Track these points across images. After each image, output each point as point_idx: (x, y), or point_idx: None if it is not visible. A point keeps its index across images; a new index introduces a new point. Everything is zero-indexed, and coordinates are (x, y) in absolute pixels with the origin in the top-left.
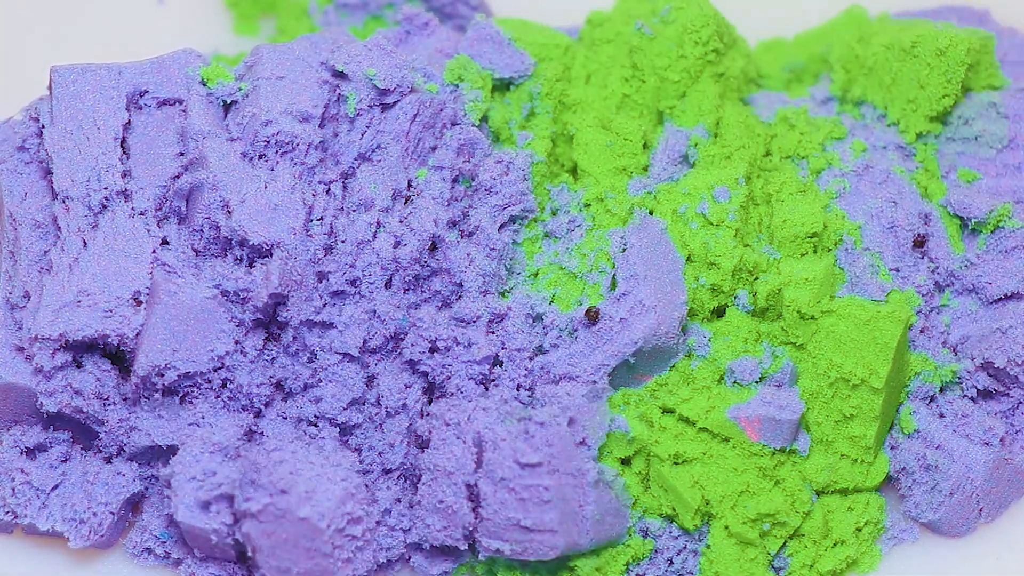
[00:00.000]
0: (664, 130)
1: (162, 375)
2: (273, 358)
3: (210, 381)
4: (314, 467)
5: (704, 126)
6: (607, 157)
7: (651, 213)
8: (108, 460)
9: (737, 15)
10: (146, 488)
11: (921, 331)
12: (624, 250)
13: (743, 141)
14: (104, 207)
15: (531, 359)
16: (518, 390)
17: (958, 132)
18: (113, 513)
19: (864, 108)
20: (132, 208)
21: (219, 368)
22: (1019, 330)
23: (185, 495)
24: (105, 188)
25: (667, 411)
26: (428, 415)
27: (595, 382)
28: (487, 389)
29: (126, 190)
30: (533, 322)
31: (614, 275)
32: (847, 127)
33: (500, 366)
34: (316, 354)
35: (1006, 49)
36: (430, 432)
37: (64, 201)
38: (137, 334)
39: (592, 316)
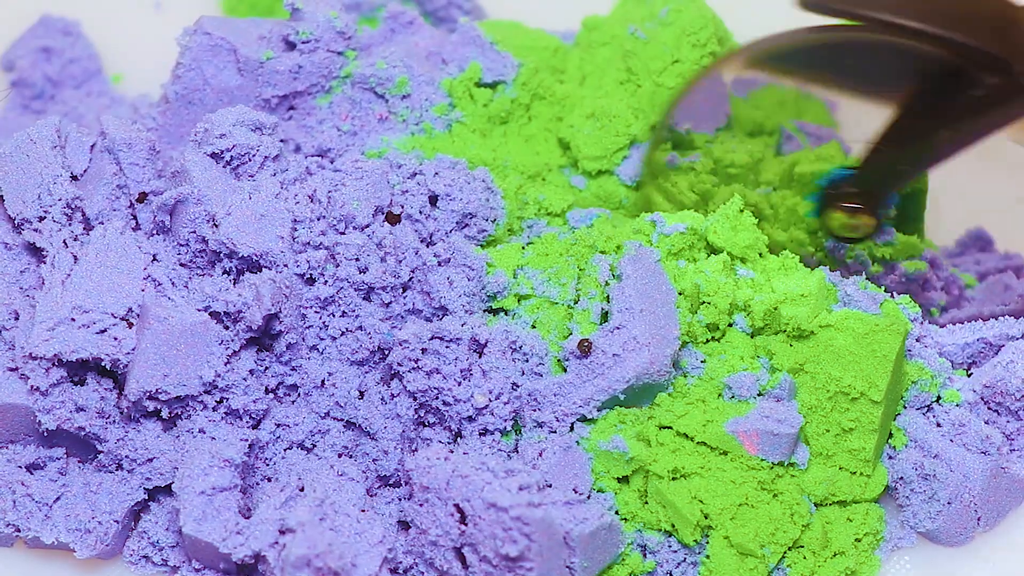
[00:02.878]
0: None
1: (154, 399)
2: (266, 368)
3: (204, 402)
4: (351, 520)
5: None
6: (600, 138)
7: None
8: (109, 471)
9: (735, 21)
10: (148, 497)
11: (917, 340)
12: (618, 280)
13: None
14: (70, 219)
15: (516, 386)
16: (502, 422)
17: None
18: (118, 521)
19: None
20: (124, 223)
21: (212, 390)
22: (1019, 364)
23: (193, 508)
24: (59, 199)
25: (664, 428)
26: (413, 451)
27: (583, 416)
28: (472, 420)
29: (78, 196)
30: (515, 351)
31: (603, 307)
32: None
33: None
34: (308, 364)
35: None
36: (411, 483)
37: (29, 223)
38: (129, 361)
39: (584, 349)
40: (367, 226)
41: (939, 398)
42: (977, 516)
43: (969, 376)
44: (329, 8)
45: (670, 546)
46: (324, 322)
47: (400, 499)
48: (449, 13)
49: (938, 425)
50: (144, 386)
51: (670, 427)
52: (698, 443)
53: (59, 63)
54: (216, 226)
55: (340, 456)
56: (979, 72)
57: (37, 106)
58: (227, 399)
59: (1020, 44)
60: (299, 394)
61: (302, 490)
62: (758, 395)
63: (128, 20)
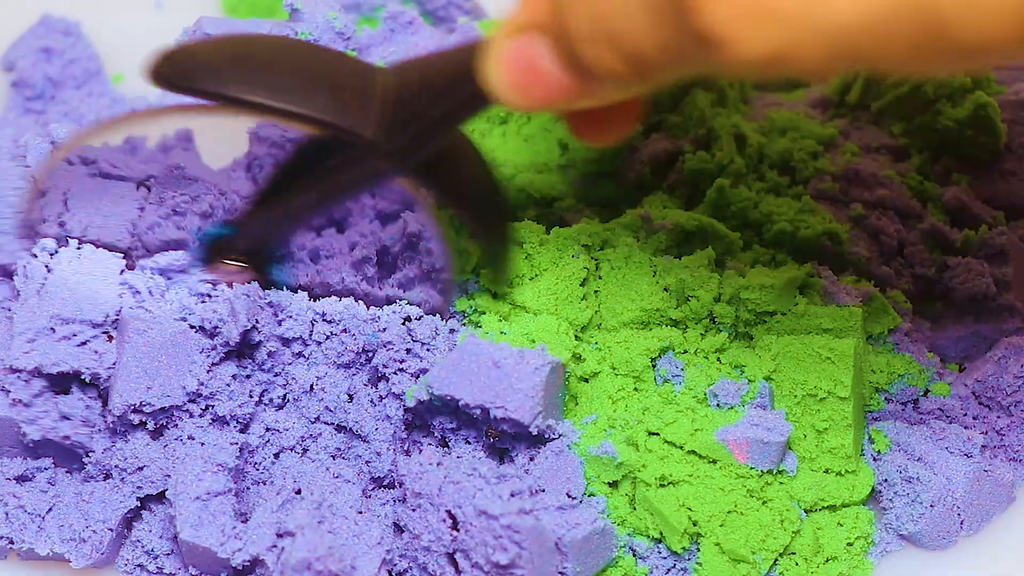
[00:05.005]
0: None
1: (139, 412)
2: (248, 375)
3: (189, 411)
4: (348, 523)
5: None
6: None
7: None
8: (99, 480)
9: None
10: (141, 504)
11: (906, 334)
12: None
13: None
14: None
15: None
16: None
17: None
18: (112, 529)
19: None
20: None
21: (196, 399)
22: (1011, 359)
23: (189, 514)
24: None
25: (652, 434)
26: (406, 453)
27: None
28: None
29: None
30: None
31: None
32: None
33: None
34: (295, 370)
35: None
36: (403, 484)
37: None
38: (110, 375)
39: (493, 436)
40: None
41: (927, 392)
42: (960, 520)
43: (962, 371)
44: (328, 9)
45: (660, 552)
46: (303, 326)
47: (395, 501)
48: (449, 13)
49: (922, 427)
50: (128, 400)
51: (658, 433)
52: (687, 451)
53: (59, 63)
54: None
55: (333, 458)
56: (336, 141)
57: (37, 106)
58: (212, 406)
59: (370, 114)
60: (288, 399)
61: (298, 493)
62: (742, 404)
63: (128, 20)
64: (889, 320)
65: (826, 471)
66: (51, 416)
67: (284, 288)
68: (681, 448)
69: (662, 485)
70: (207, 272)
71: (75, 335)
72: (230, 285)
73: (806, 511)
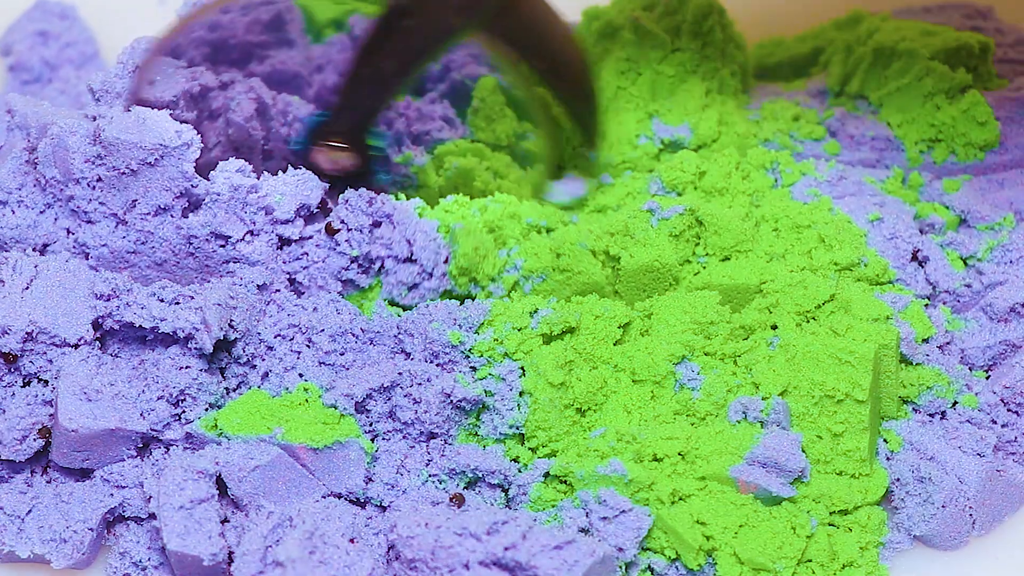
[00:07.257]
0: (652, 125)
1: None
2: (223, 367)
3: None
4: (340, 552)
5: (688, 125)
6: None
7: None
8: (78, 480)
9: (735, 15)
10: (121, 504)
11: (939, 347)
12: None
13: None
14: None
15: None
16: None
17: (949, 134)
18: (92, 529)
19: (858, 102)
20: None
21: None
22: None
23: (175, 524)
24: None
25: (664, 449)
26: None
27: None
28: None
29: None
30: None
31: None
32: (834, 121)
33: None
34: (268, 365)
35: (1007, 47)
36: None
37: None
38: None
39: (458, 501)
40: (287, 221)
41: (955, 404)
42: (972, 520)
43: (988, 378)
44: None
45: (677, 569)
46: (279, 323)
47: (386, 531)
48: None
49: (934, 426)
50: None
51: (669, 452)
52: (698, 477)
53: (56, 46)
54: (102, 131)
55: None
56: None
57: (34, 89)
58: (183, 413)
59: None
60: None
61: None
62: (760, 425)
63: (124, 3)
64: (923, 330)
65: (839, 473)
66: None
67: (384, 152)
68: (691, 464)
69: (674, 502)
70: (311, 155)
71: (44, 352)
72: (335, 167)
73: (818, 516)
